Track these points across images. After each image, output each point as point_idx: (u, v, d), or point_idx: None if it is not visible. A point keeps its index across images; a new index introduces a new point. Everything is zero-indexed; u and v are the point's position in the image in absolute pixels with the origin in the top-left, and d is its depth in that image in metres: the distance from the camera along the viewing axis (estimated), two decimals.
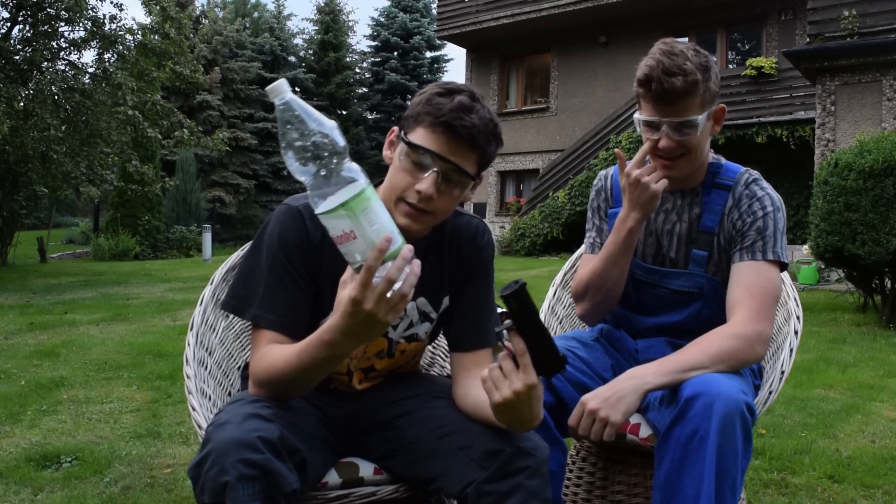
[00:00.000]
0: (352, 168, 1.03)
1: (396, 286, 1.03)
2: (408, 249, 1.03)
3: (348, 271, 1.07)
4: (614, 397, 1.42)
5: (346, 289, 1.06)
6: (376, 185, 1.41)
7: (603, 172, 1.85)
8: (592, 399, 1.43)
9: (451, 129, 1.23)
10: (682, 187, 1.68)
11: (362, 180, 1.03)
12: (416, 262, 1.05)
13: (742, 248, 1.60)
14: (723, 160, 1.70)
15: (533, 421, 1.19)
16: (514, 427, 1.21)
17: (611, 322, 1.81)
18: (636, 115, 1.61)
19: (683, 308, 1.69)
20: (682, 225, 1.68)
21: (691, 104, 1.52)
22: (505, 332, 1.11)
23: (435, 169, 1.24)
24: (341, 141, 1.02)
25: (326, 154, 1.00)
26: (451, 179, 1.26)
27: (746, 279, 1.56)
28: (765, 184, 1.65)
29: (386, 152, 1.35)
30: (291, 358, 1.19)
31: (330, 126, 1.02)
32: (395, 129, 1.33)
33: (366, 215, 1.01)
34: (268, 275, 1.31)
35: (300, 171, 1.01)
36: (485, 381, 1.16)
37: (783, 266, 1.60)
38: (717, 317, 1.60)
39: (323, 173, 1.00)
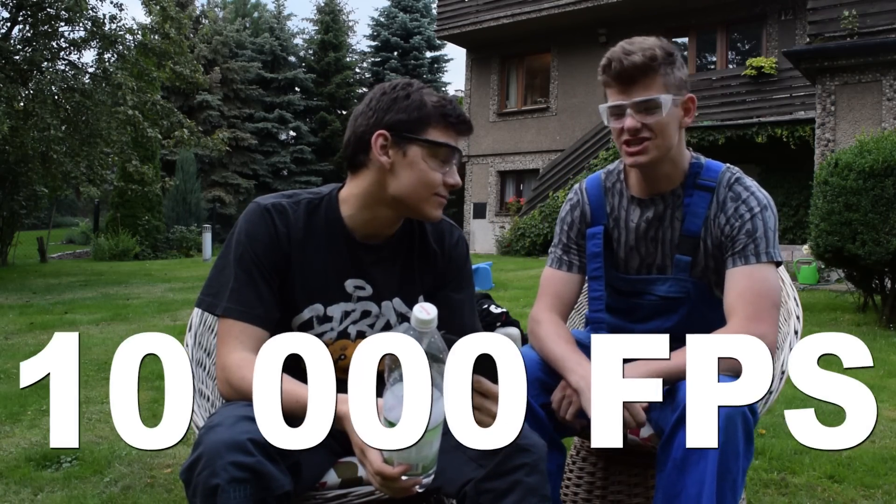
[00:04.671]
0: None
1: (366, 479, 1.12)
2: (413, 482, 1.11)
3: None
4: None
5: (369, 456, 1.12)
6: (346, 181, 1.43)
7: (577, 185, 1.77)
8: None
9: (463, 123, 1.36)
10: (661, 191, 1.61)
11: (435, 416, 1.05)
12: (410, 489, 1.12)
13: (734, 253, 1.52)
14: (703, 159, 1.63)
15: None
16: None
17: (605, 331, 1.75)
18: (601, 107, 1.57)
19: (672, 314, 1.66)
20: (665, 230, 1.62)
21: (652, 83, 1.48)
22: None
23: (455, 161, 1.37)
24: (439, 414, 1.04)
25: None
26: (459, 165, 1.42)
27: (740, 285, 1.50)
28: (748, 182, 1.58)
29: (383, 158, 1.33)
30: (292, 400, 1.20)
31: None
32: (384, 132, 1.33)
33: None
34: (237, 270, 1.34)
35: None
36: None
37: (778, 264, 1.54)
38: (711, 319, 1.56)
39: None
